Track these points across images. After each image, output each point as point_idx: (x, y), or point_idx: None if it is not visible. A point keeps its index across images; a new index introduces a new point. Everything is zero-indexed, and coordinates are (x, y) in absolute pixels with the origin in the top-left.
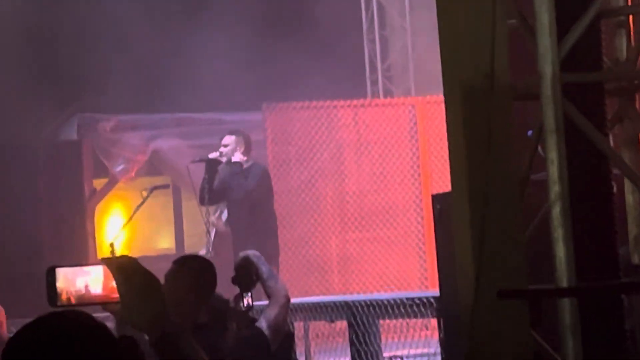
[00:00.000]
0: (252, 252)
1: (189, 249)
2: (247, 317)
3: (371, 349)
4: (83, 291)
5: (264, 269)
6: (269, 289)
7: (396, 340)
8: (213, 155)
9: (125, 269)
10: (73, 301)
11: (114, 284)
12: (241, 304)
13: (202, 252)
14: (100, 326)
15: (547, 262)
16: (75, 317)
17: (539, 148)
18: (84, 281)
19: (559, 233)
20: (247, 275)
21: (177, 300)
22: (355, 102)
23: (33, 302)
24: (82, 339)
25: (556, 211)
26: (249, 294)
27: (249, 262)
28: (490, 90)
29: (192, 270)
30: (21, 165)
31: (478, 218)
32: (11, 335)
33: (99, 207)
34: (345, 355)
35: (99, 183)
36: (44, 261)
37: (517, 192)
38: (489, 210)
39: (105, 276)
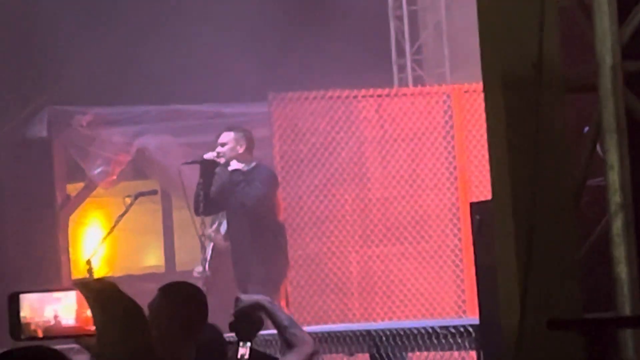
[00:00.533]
0: (263, 298)
1: (180, 267)
2: None
3: None
4: (52, 322)
5: (282, 316)
6: (293, 337)
7: None
8: (209, 155)
9: (102, 296)
10: (40, 334)
11: (89, 313)
12: (237, 356)
13: (198, 270)
14: None
15: (606, 285)
16: (43, 355)
17: (597, 148)
18: (54, 310)
19: (620, 251)
20: (250, 323)
21: (159, 336)
22: (379, 91)
23: None
24: None
25: (617, 225)
26: (247, 345)
27: (259, 309)
28: (538, 81)
29: (175, 300)
30: None
31: (524, 232)
32: None
33: (73, 217)
34: None
35: (73, 188)
36: (6, 284)
37: (570, 202)
38: (536, 222)
39: (79, 303)
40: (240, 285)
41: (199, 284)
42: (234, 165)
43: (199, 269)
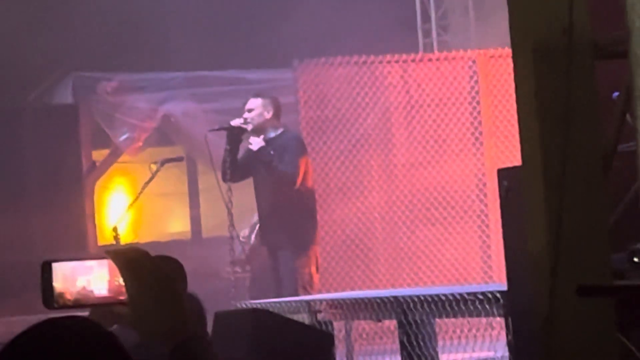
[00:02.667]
0: None
1: (206, 233)
2: None
3: (425, 352)
4: (84, 291)
5: None
6: None
7: (455, 342)
8: (236, 122)
9: (133, 265)
10: (72, 303)
11: (121, 281)
12: None
13: (244, 234)
14: (109, 337)
15: (638, 251)
16: (81, 326)
17: (627, 115)
18: (86, 279)
19: None
20: None
21: None
22: (404, 56)
23: (21, 300)
24: (90, 354)
25: None
26: None
27: None
28: (568, 47)
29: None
30: (4, 134)
31: (554, 198)
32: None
33: (99, 184)
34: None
35: (99, 155)
36: (34, 250)
37: (600, 167)
38: (567, 188)
39: (111, 272)
40: (270, 252)
41: (243, 248)
42: (256, 143)
43: (245, 232)
